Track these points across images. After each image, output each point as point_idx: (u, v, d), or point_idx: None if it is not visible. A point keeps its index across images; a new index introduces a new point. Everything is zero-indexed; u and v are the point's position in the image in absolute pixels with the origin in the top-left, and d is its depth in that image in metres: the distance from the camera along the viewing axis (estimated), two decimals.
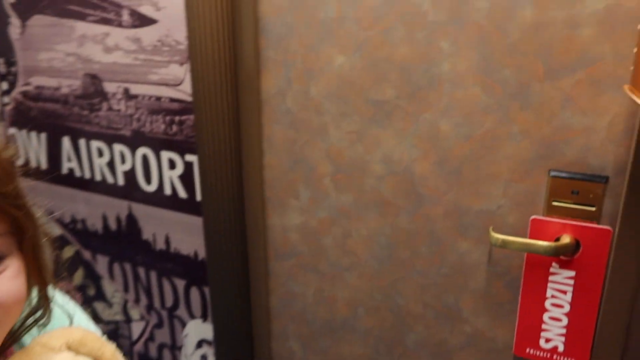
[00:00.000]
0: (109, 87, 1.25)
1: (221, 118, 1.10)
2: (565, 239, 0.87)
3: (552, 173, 0.87)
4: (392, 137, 0.99)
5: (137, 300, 1.43)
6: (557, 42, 0.83)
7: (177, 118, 1.18)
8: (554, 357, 0.95)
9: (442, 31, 0.90)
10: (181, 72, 1.14)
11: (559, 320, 0.93)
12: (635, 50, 0.65)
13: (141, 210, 1.33)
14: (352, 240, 1.09)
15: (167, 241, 1.32)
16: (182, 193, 1.25)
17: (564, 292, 0.91)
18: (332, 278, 1.14)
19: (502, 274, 0.98)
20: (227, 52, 1.05)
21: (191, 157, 1.20)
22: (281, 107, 1.08)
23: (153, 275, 1.37)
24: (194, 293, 1.32)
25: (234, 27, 1.04)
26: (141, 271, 1.39)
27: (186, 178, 1.23)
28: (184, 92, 1.15)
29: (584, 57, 0.82)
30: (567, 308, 0.91)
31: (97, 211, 1.40)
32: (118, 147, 1.29)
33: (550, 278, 0.91)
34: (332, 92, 1.02)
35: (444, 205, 0.99)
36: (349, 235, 1.09)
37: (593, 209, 0.86)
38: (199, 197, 1.22)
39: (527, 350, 0.97)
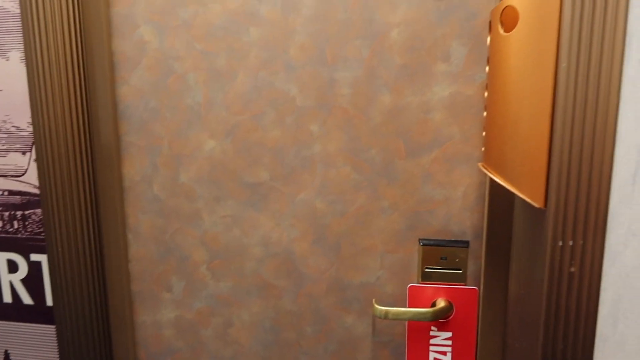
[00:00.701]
0: None
1: (77, 210, 0.98)
2: (441, 303, 0.93)
3: (422, 242, 0.94)
4: (269, 219, 0.98)
5: None
6: (414, 124, 0.92)
7: (19, 213, 1.03)
8: None
9: (310, 115, 0.94)
10: (24, 161, 1.00)
11: None
12: (483, 133, 0.76)
13: None
14: (234, 328, 1.04)
15: (7, 359, 1.10)
16: (26, 299, 1.07)
17: (444, 354, 0.96)
18: None
19: (387, 343, 1.00)
20: (81, 138, 0.96)
21: (38, 257, 1.04)
22: (147, 194, 1.00)
23: None
24: None
25: (89, 112, 0.96)
26: None
27: (32, 281, 1.06)
28: (29, 183, 1.01)
29: (438, 137, 0.92)
30: None
31: None
32: None
33: (431, 341, 0.96)
34: (203, 176, 0.98)
35: (326, 281, 0.99)
36: (231, 323, 1.03)
37: (460, 271, 0.94)
38: (49, 301, 1.06)
39: None
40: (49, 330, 1.07)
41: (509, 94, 0.68)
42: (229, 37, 0.93)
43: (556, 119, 0.62)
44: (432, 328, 0.96)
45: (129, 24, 0.95)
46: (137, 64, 0.96)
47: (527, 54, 0.64)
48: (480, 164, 0.80)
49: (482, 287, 0.93)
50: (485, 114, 0.76)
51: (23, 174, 1.01)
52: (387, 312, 0.92)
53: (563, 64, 0.60)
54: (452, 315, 0.95)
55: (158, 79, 0.96)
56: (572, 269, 0.65)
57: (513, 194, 0.88)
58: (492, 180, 0.88)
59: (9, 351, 1.10)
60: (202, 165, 0.98)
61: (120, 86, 0.97)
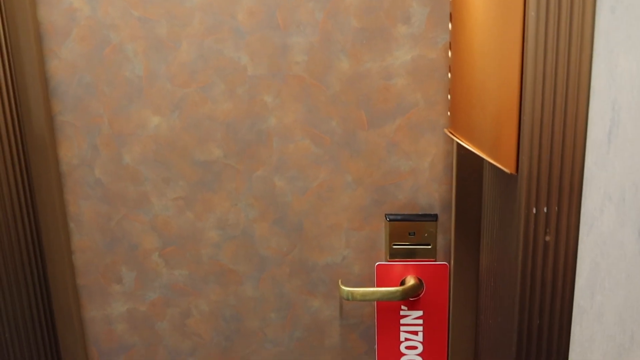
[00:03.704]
0: None
1: (7, 200, 0.88)
2: (410, 281, 0.88)
3: (389, 217, 0.89)
4: (224, 199, 0.91)
5: None
6: (375, 92, 0.85)
7: None
8: None
9: (263, 85, 0.86)
10: None
11: None
12: (449, 97, 0.70)
13: None
14: (193, 319, 0.97)
15: None
16: None
17: (416, 334, 0.92)
18: None
19: (355, 325, 0.95)
20: (8, 120, 0.86)
21: None
22: (88, 179, 0.92)
23: None
24: None
25: (15, 91, 0.86)
26: None
27: None
28: None
29: (401, 105, 0.86)
30: (420, 349, 0.92)
31: None
32: None
33: (402, 321, 0.92)
34: (149, 156, 0.90)
35: (289, 264, 0.93)
36: (189, 314, 0.96)
37: (429, 247, 0.89)
38: None
39: None
40: None
41: (475, 52, 0.62)
42: (168, 3, 0.84)
43: (526, 76, 0.57)
44: (403, 307, 0.91)
45: None
46: (67, 35, 0.86)
47: (492, 5, 0.58)
48: (446, 130, 0.74)
49: (452, 262, 0.89)
50: (449, 76, 0.70)
51: None
52: (353, 294, 0.87)
53: (532, 13, 0.54)
54: (422, 293, 0.91)
55: (92, 50, 0.86)
56: (547, 238, 0.60)
57: (482, 162, 0.83)
58: (459, 148, 0.83)
59: None
60: (147, 144, 0.89)
61: (49, 60, 0.87)
